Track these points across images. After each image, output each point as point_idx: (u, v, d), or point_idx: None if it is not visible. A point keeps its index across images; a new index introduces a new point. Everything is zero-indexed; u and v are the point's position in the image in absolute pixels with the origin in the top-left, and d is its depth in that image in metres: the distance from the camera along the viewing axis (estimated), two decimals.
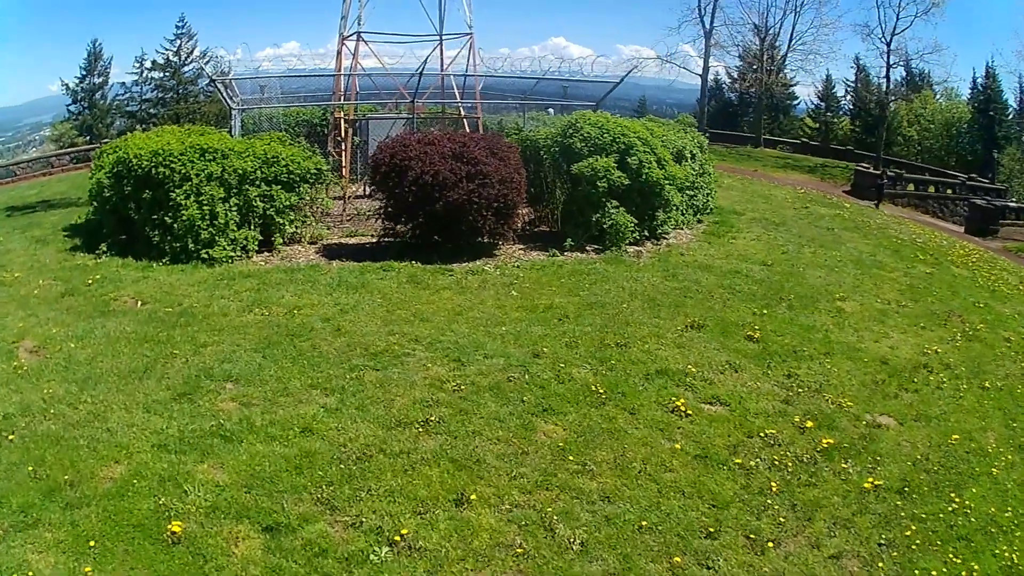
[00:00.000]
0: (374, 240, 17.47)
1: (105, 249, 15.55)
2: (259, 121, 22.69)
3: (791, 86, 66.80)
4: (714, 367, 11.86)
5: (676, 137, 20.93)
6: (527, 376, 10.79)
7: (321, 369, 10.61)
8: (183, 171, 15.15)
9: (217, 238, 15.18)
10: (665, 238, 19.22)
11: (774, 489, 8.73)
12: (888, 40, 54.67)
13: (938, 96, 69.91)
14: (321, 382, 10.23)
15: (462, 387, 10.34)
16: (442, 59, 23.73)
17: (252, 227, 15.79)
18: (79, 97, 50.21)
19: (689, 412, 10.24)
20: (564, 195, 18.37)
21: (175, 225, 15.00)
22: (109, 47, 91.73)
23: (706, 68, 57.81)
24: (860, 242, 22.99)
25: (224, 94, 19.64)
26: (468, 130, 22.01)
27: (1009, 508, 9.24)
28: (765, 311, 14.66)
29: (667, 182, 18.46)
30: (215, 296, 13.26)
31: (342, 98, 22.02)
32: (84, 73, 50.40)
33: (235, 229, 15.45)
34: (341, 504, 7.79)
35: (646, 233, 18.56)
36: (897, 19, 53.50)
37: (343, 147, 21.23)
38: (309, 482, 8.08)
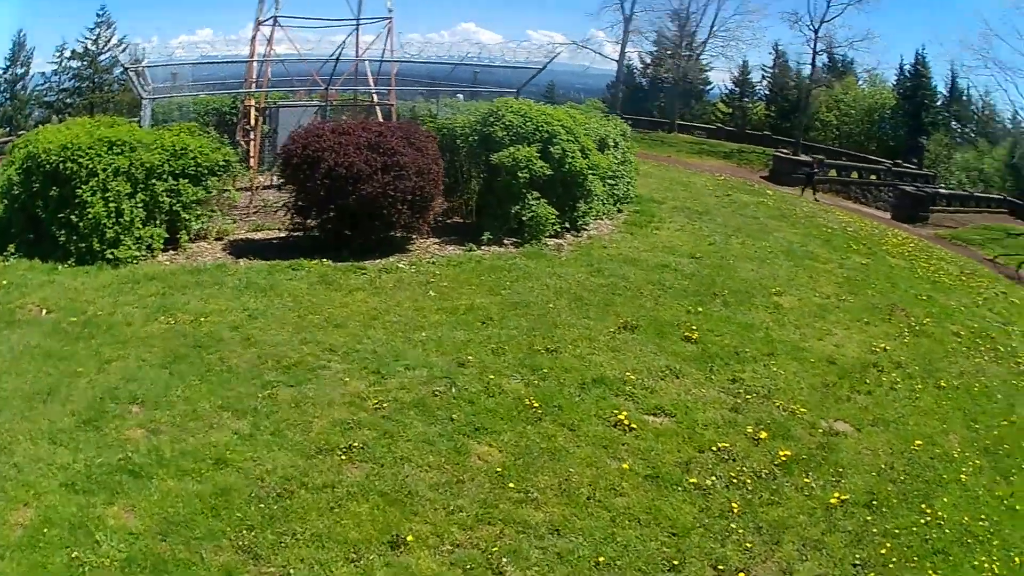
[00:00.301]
0: (283, 235, 17.13)
1: (13, 251, 15.01)
2: (169, 111, 22.56)
3: (706, 71, 69.11)
4: (654, 373, 11.65)
5: (599, 125, 21.13)
6: (453, 389, 10.34)
7: (231, 387, 9.98)
8: (90, 166, 14.72)
9: (122, 237, 14.79)
10: (586, 230, 19.17)
11: (735, 511, 8.51)
12: (816, 28, 57.60)
13: (861, 82, 73.03)
14: (232, 402, 9.59)
15: (384, 404, 9.82)
16: (358, 44, 23.75)
17: (158, 224, 15.53)
18: (1, 88, 51.57)
19: (633, 425, 9.94)
20: (481, 186, 18.31)
21: (81, 224, 14.56)
22: (39, 37, 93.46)
23: (623, 54, 60.06)
24: (788, 231, 23.47)
25: (135, 83, 19.03)
26: (381, 118, 21.90)
27: (982, 516, 9.32)
28: (700, 308, 14.63)
29: (590, 172, 18.53)
30: (119, 303, 12.59)
31: (254, 85, 21.82)
32: (8, 63, 51.83)
33: (140, 227, 15.10)
34: (265, 552, 7.17)
35: (567, 225, 18.50)
36: (828, 6, 56.64)
37: (252, 136, 21.02)
38: (228, 526, 7.45)
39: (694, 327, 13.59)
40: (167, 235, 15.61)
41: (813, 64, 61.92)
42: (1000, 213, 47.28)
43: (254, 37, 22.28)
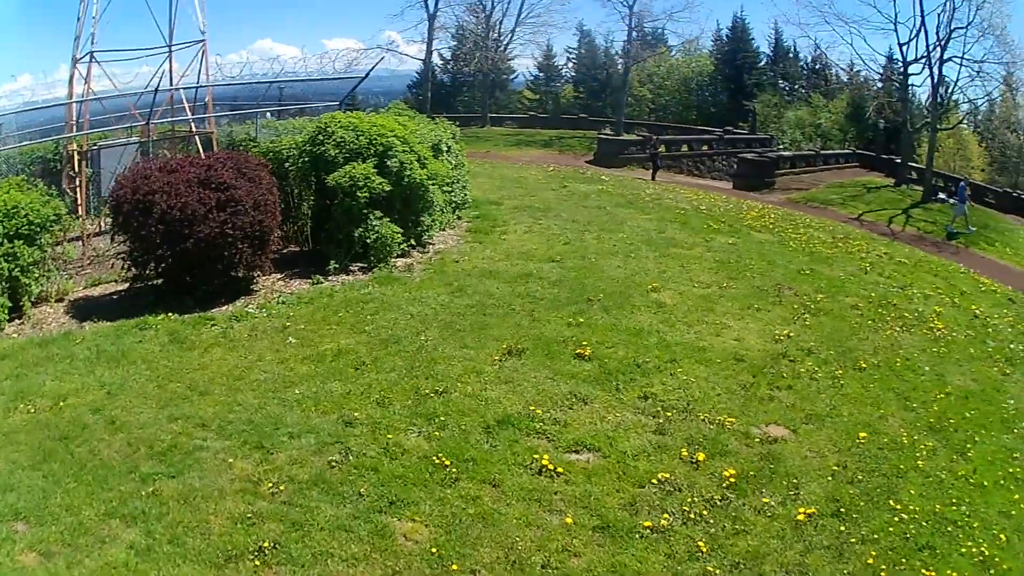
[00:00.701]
0: (122, 288, 16.98)
1: None
2: None
3: (510, 60, 71.05)
4: (558, 402, 11.40)
5: (429, 130, 21.17)
6: (351, 457, 9.76)
7: (110, 485, 9.11)
8: None
9: None
10: (431, 244, 19.17)
11: (704, 550, 8.30)
12: (631, 3, 60.20)
13: (674, 53, 76.55)
14: (117, 507, 8.69)
15: (281, 487, 9.10)
16: (171, 72, 23.33)
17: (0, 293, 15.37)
18: None
19: (559, 470, 9.60)
20: (315, 209, 18.36)
21: None
22: None
23: (429, 52, 62.61)
24: (641, 218, 24.02)
25: None
26: (200, 148, 21.83)
27: (953, 500, 9.63)
28: (580, 319, 14.60)
29: (431, 182, 18.46)
30: None
31: (74, 128, 21.56)
32: None
33: None
34: None
35: (412, 242, 18.45)
36: None
37: (77, 182, 20.86)
38: None
39: (583, 341, 13.53)
40: (11, 304, 15.36)
41: (629, 40, 64.52)
42: (851, 167, 50.60)
43: (72, 77, 22.18)
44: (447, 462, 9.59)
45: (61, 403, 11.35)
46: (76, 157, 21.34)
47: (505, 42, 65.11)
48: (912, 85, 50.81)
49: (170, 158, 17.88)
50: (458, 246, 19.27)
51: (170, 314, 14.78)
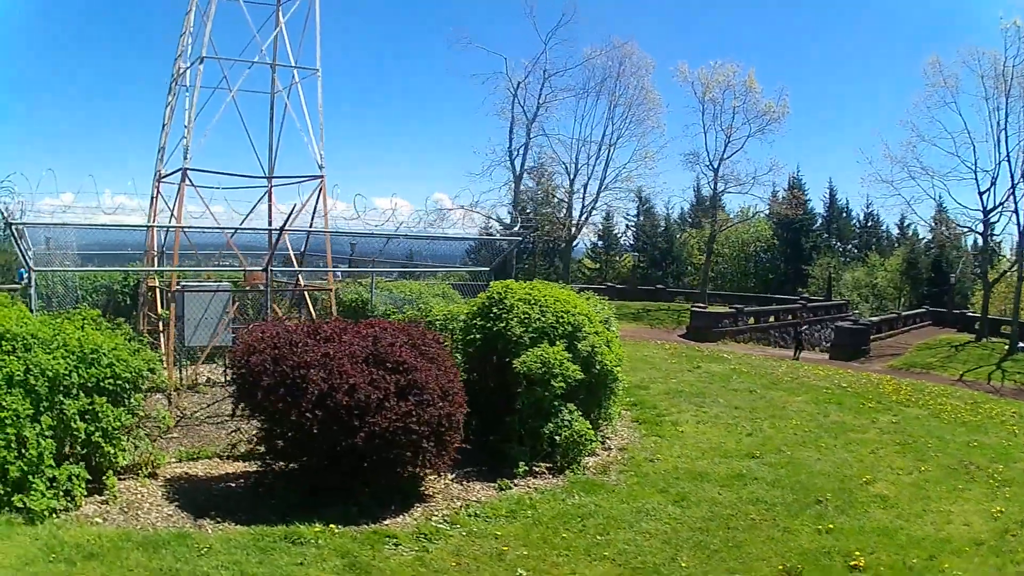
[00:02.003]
0: (237, 472, 14.22)
1: None
2: (52, 285, 19.16)
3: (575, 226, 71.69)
4: None
5: (595, 304, 18.86)
6: None
7: None
8: None
9: (31, 478, 11.52)
10: (609, 439, 17.32)
11: None
12: (716, 166, 61.23)
13: (734, 217, 77.27)
14: None
15: None
16: (270, 210, 21.48)
17: (74, 460, 12.32)
18: None
19: None
20: (481, 396, 15.44)
21: None
22: None
23: (517, 214, 62.92)
24: (795, 401, 22.76)
25: (19, 245, 15.40)
26: (311, 307, 19.88)
27: None
28: (828, 524, 13.16)
29: (618, 368, 16.51)
30: None
31: (156, 258, 19.32)
32: None
33: (53, 464, 11.80)
34: None
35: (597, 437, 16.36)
36: (727, 143, 60.43)
37: (161, 327, 18.30)
38: None
39: (846, 552, 12.17)
40: (89, 477, 12.42)
41: (713, 204, 65.10)
42: (925, 326, 49.94)
43: (155, 197, 19.97)
44: None
45: None
46: (158, 295, 19.25)
47: (589, 206, 65.36)
48: (992, 235, 50.33)
49: (319, 321, 15.11)
50: (637, 440, 17.58)
51: (332, 525, 11.95)
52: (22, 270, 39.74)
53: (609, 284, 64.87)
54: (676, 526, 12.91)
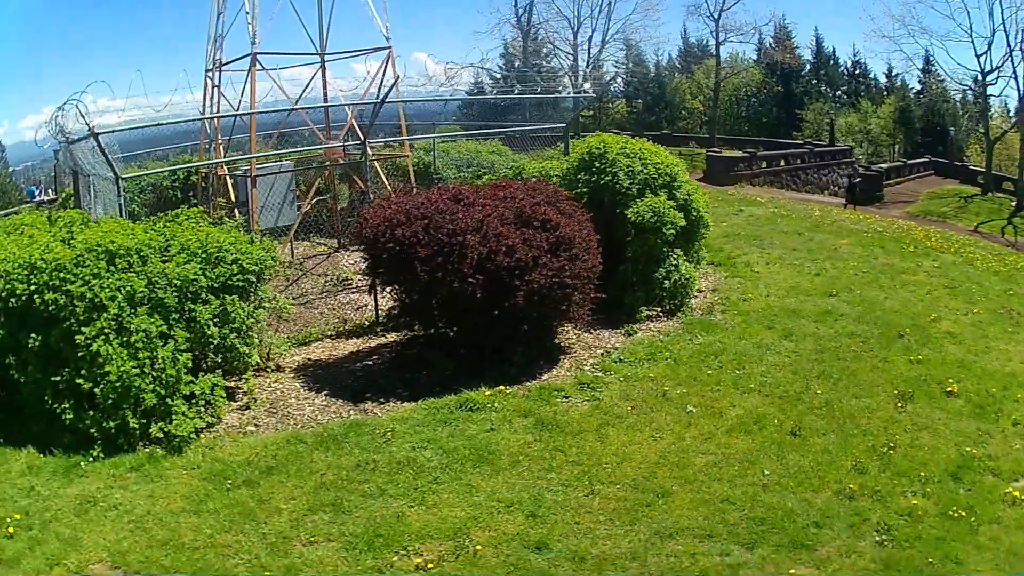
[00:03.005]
0: (363, 349, 14.73)
1: None
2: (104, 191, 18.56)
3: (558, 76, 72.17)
4: (975, 440, 11.67)
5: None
6: (891, 532, 9.28)
7: None
8: (90, 295, 10.74)
9: (170, 401, 10.79)
10: (700, 281, 18.48)
11: None
12: (717, 16, 61.82)
13: (724, 63, 77.59)
14: None
15: None
16: (325, 85, 21.80)
17: (207, 369, 11.70)
18: None
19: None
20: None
21: (99, 390, 10.42)
22: None
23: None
24: (843, 244, 23.88)
25: (106, 155, 14.84)
26: (384, 177, 20.29)
27: None
28: (917, 356, 14.72)
29: (705, 211, 17.71)
30: (282, 555, 8.68)
31: (218, 146, 19.53)
32: None
33: (192, 380, 11.23)
34: None
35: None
36: None
37: (238, 213, 18.28)
38: None
39: (939, 379, 13.77)
40: (228, 384, 12.12)
41: (717, 54, 65.64)
42: (928, 175, 51.66)
43: (217, 85, 20.08)
44: (960, 512, 9.65)
45: (472, 543, 8.75)
46: (228, 182, 19.51)
47: (594, 58, 65.89)
48: (991, 96, 52.14)
49: (456, 187, 14.75)
50: (724, 282, 19.02)
51: (500, 387, 12.50)
52: (32, 187, 39.23)
53: (614, 131, 65.67)
54: (795, 358, 14.44)
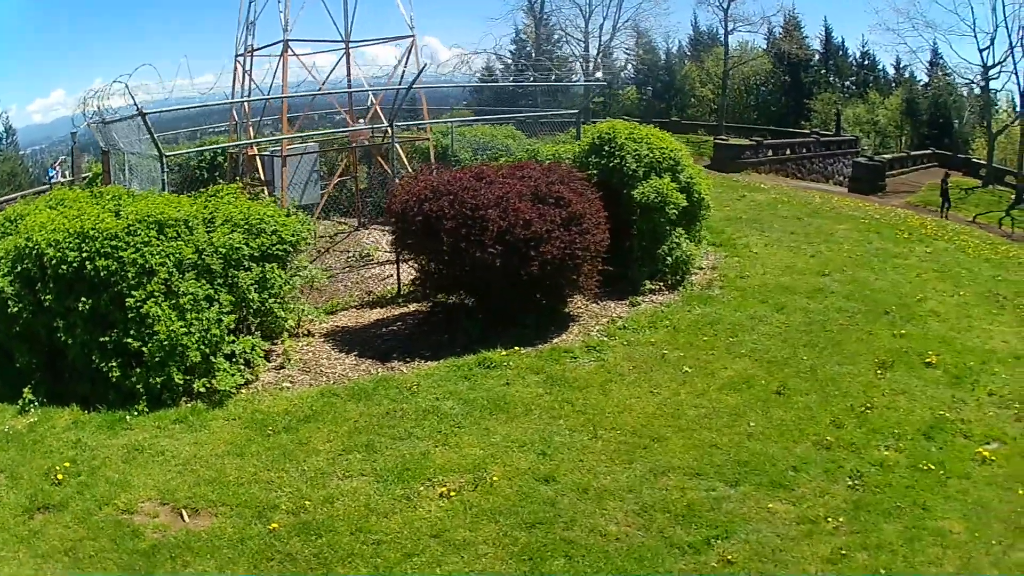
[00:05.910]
0: (388, 317, 16.19)
1: (31, 396, 11.85)
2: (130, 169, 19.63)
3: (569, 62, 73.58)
4: (950, 406, 12.48)
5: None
6: (863, 478, 10.28)
7: (652, 565, 8.51)
8: (141, 261, 11.88)
9: (213, 359, 12.03)
10: (700, 259, 19.63)
11: None
12: (726, 7, 62.74)
13: (734, 50, 78.39)
14: None
15: (832, 520, 9.51)
16: (349, 70, 22.76)
17: (246, 331, 13.06)
18: None
19: (992, 456, 10.76)
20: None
21: (147, 349, 11.56)
22: None
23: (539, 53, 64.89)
24: (839, 229, 24.94)
25: (152, 134, 15.62)
26: (405, 160, 21.34)
27: None
28: (900, 331, 15.65)
29: (707, 195, 18.84)
30: (320, 488, 9.85)
31: (248, 127, 20.57)
32: None
33: (231, 339, 12.46)
34: None
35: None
36: None
37: (266, 191, 19.31)
38: None
39: (919, 351, 14.60)
40: (266, 344, 13.39)
41: (726, 44, 66.46)
42: (932, 167, 52.46)
43: (245, 72, 21.03)
44: (930, 465, 10.59)
45: (489, 476, 9.93)
46: (259, 162, 20.35)
47: (604, 45, 66.99)
48: (995, 90, 53.05)
49: (478, 167, 16.11)
50: (723, 261, 20.17)
51: (516, 347, 13.95)
52: (51, 169, 40.28)
53: (624, 118, 66.59)
54: (785, 329, 15.61)
